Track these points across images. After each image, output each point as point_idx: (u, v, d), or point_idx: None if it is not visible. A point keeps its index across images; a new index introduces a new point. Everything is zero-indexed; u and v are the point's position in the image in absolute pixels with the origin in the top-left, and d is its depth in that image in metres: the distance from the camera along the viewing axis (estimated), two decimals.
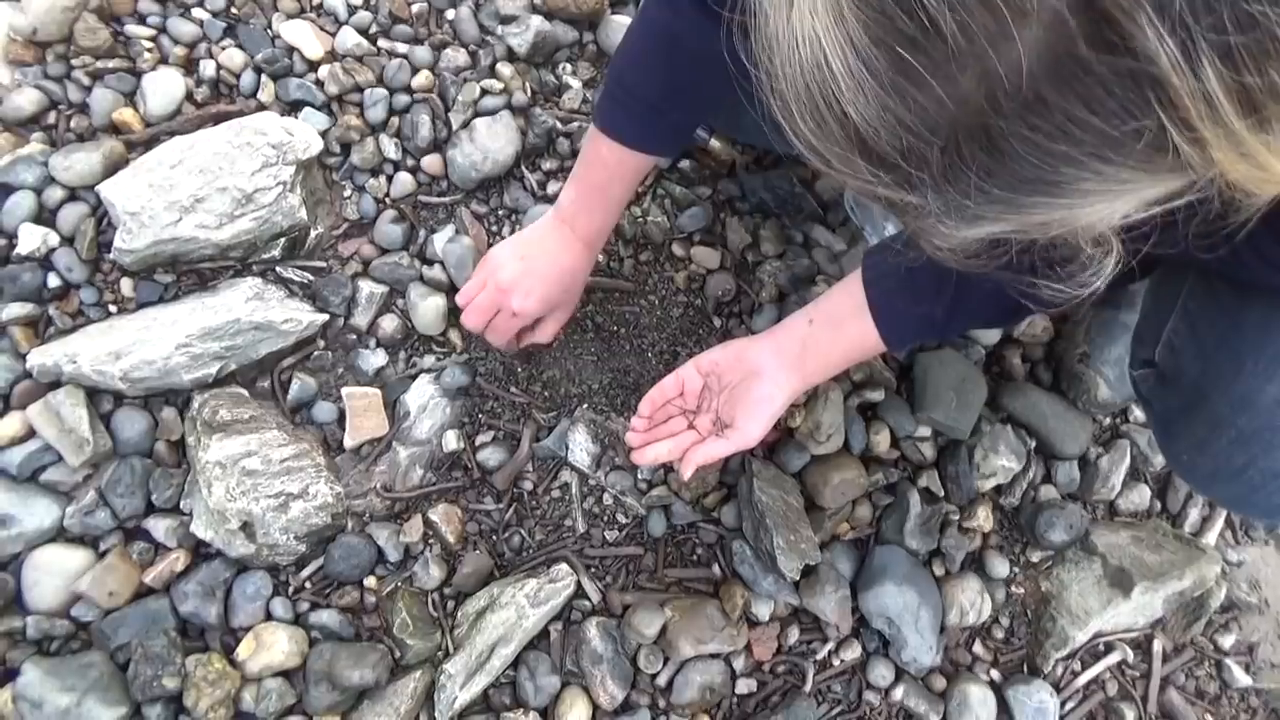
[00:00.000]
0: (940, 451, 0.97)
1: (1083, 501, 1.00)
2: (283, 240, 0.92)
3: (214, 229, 0.87)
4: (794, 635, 0.92)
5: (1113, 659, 0.97)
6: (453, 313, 0.96)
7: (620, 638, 0.88)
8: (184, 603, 0.83)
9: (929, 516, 0.94)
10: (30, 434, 0.84)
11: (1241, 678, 0.99)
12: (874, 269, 0.72)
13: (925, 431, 0.95)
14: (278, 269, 0.93)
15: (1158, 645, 0.98)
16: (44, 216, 0.89)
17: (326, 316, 0.92)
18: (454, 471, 0.93)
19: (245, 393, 0.90)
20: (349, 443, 0.91)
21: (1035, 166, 0.29)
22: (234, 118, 0.92)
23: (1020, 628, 0.98)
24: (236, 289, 0.89)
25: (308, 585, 0.88)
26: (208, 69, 0.95)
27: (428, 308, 0.93)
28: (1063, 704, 0.94)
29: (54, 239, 0.88)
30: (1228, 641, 1.00)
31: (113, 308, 0.90)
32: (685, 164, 1.03)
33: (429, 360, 0.95)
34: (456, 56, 1.00)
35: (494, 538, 0.92)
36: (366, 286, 0.93)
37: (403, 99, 0.98)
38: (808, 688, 0.90)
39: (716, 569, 0.93)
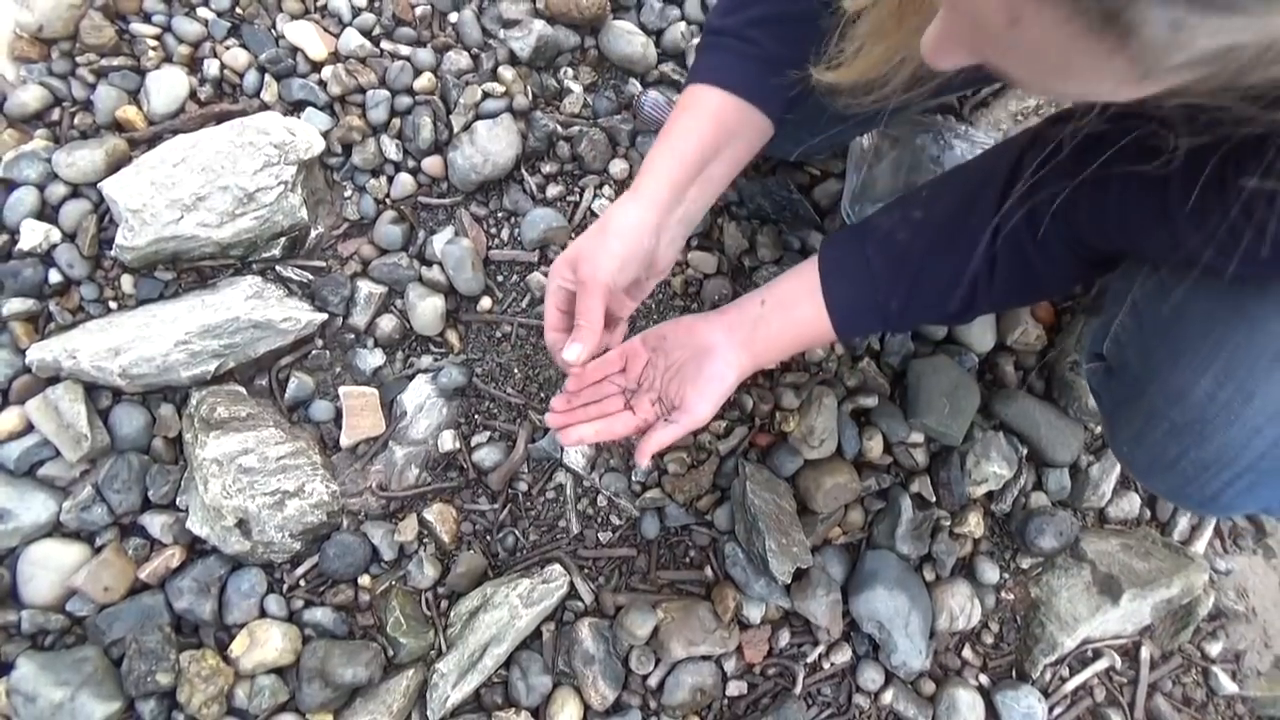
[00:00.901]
0: (932, 458, 0.98)
1: (1073, 509, 1.01)
2: (283, 239, 0.92)
3: (215, 227, 0.88)
4: (785, 638, 0.92)
5: (1101, 665, 0.98)
6: (450, 314, 0.96)
7: (612, 638, 0.89)
8: (179, 599, 0.84)
9: (920, 522, 0.94)
10: (28, 429, 0.84)
11: (1228, 685, 0.99)
12: (831, 256, 0.71)
13: (918, 437, 0.96)
14: (277, 268, 0.94)
15: (1145, 652, 0.99)
16: (46, 213, 0.90)
17: (325, 316, 0.93)
18: (449, 471, 0.94)
19: (243, 390, 0.91)
20: (345, 441, 0.91)
21: None
22: (237, 117, 0.93)
23: (1009, 633, 0.98)
24: (236, 287, 0.90)
25: (302, 583, 0.88)
26: (211, 68, 0.96)
27: (426, 308, 0.93)
28: (1051, 709, 0.95)
29: (56, 235, 0.88)
30: (1215, 649, 1.01)
31: (113, 304, 0.90)
32: None
33: (426, 360, 0.96)
34: (459, 59, 1.01)
35: (488, 538, 0.93)
36: (365, 286, 0.94)
37: (405, 101, 0.99)
38: (798, 690, 0.91)
39: (709, 571, 0.93)
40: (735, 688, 0.90)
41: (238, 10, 1.00)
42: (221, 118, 0.94)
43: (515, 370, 0.96)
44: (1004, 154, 0.64)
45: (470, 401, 0.95)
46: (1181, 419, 0.56)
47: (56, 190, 0.89)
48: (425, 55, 1.00)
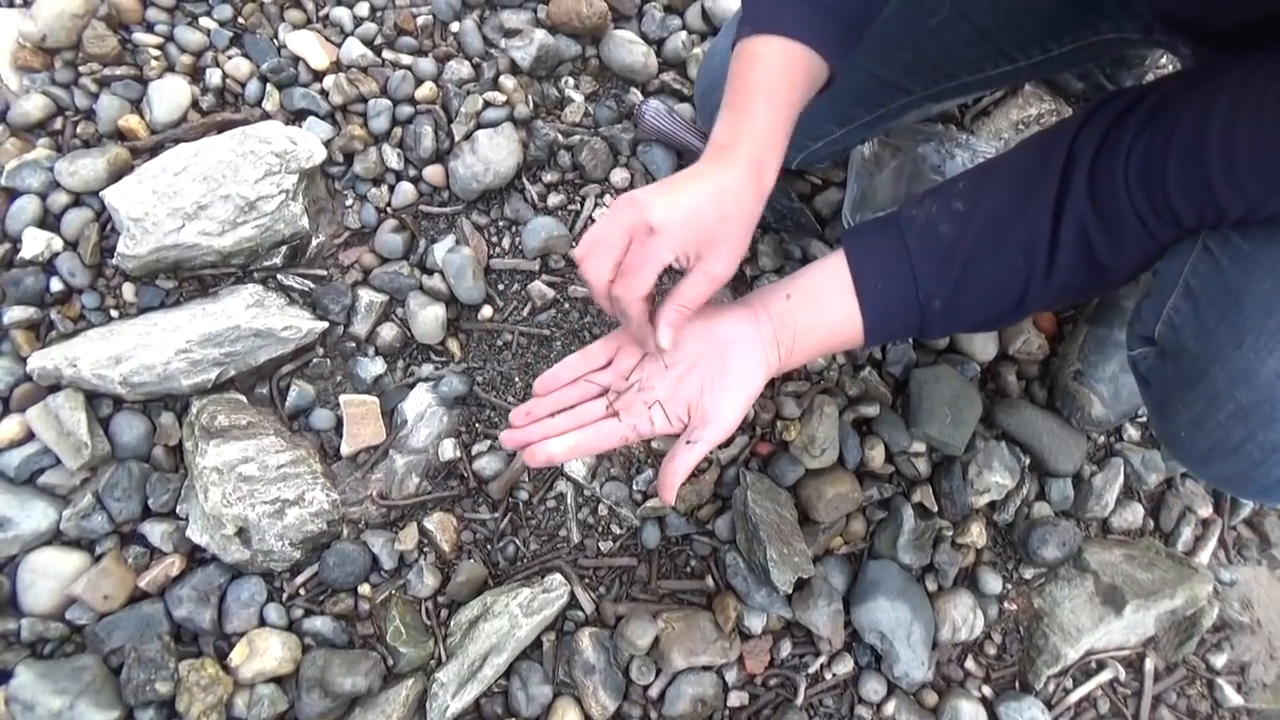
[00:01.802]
0: (934, 467, 0.97)
1: (1076, 519, 1.00)
2: (284, 248, 0.93)
3: (216, 236, 0.88)
4: (786, 648, 0.92)
5: (1104, 677, 0.97)
6: (451, 322, 0.96)
7: (613, 649, 0.88)
8: (178, 607, 0.83)
9: (922, 532, 0.94)
10: (29, 437, 0.84)
11: (1233, 697, 0.99)
12: (862, 247, 0.62)
13: (920, 447, 0.96)
14: (279, 276, 0.94)
15: (1149, 664, 0.98)
16: (48, 221, 0.90)
17: (326, 324, 0.93)
18: (450, 480, 0.93)
19: (244, 399, 0.91)
20: (346, 450, 0.91)
21: None
22: (238, 126, 0.93)
23: (1012, 644, 0.98)
24: (237, 295, 0.90)
25: (302, 592, 0.88)
26: (213, 77, 0.96)
27: (427, 317, 0.93)
28: None
29: (58, 244, 0.89)
30: (1220, 661, 1.00)
31: (114, 312, 0.90)
32: None
33: (427, 369, 0.96)
34: (460, 69, 1.01)
35: (488, 547, 0.93)
36: (366, 295, 0.94)
37: (406, 110, 0.99)
38: (799, 701, 0.90)
39: (710, 581, 0.93)
40: (737, 698, 0.90)
41: (240, 20, 1.01)
42: (223, 127, 0.94)
43: (516, 379, 0.96)
44: (1055, 138, 0.59)
45: (471, 410, 0.95)
46: (1248, 400, 0.54)
47: (58, 199, 0.90)
48: (427, 64, 1.01)
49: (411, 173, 0.99)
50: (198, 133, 0.94)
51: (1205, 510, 1.03)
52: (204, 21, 0.99)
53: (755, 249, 1.00)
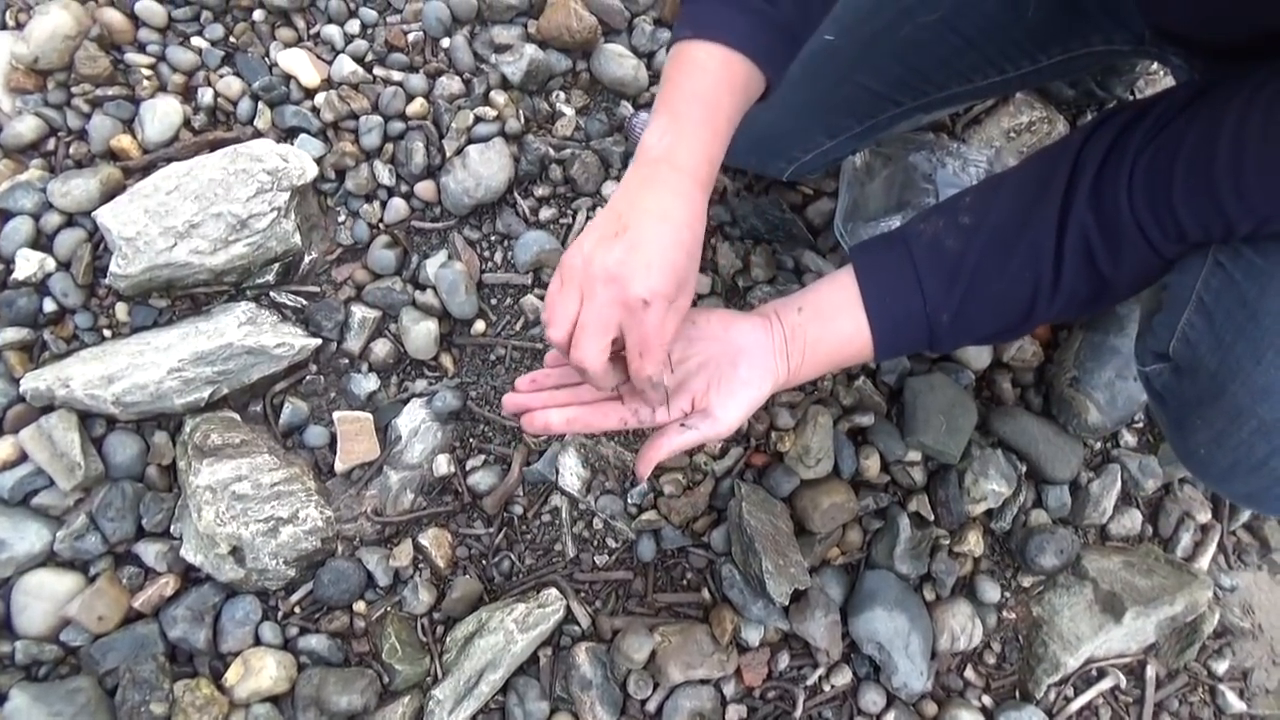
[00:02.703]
0: (930, 476, 0.97)
1: (1074, 526, 1.00)
2: (276, 265, 0.93)
3: (209, 254, 0.88)
4: (784, 660, 0.91)
5: (1105, 685, 0.96)
6: (444, 337, 0.96)
7: (609, 663, 0.88)
8: (173, 628, 0.83)
9: (919, 541, 0.94)
10: (22, 458, 0.84)
11: (1235, 703, 0.98)
12: (869, 263, 0.64)
13: (915, 456, 0.95)
14: (271, 294, 0.94)
15: (1151, 671, 0.98)
16: (41, 242, 0.90)
17: (319, 341, 0.93)
18: (444, 496, 0.93)
19: (237, 417, 0.91)
20: (340, 467, 0.91)
21: None
22: (230, 144, 0.94)
23: (1012, 653, 0.97)
24: (230, 313, 0.90)
25: (297, 610, 0.88)
26: (205, 96, 0.97)
27: (420, 332, 0.93)
28: None
29: (50, 264, 0.89)
30: (1221, 667, 0.99)
31: (107, 332, 0.91)
32: None
33: (420, 385, 0.95)
34: (451, 84, 1.02)
35: (483, 562, 0.92)
36: (359, 311, 0.94)
37: (397, 126, 0.99)
38: (798, 713, 0.90)
39: (706, 593, 0.93)
40: (735, 712, 0.89)
41: (231, 39, 1.01)
42: (215, 145, 0.95)
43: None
44: (1060, 153, 0.59)
45: (465, 425, 0.95)
46: (1271, 416, 0.54)
47: (51, 220, 0.90)
48: (417, 81, 1.01)
49: (403, 188, 1.00)
50: (190, 151, 0.95)
51: (1204, 515, 1.03)
52: (196, 41, 0.99)
53: (748, 260, 1.01)
